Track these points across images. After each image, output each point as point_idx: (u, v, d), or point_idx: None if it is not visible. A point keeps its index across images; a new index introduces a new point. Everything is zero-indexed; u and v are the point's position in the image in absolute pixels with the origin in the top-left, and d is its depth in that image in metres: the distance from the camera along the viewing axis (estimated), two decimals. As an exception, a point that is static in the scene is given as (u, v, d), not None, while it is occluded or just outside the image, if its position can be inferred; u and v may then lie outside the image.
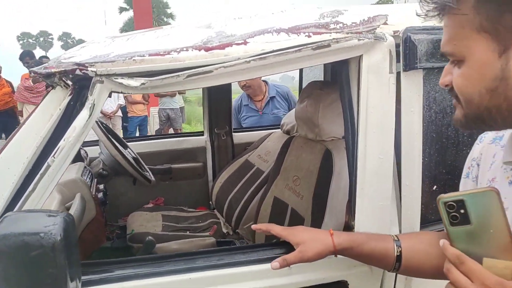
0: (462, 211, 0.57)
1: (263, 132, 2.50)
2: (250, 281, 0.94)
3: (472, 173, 0.79)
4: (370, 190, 0.97)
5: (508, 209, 0.61)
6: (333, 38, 0.96)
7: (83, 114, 0.85)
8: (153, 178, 2.13)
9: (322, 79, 2.31)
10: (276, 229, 0.97)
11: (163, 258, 0.94)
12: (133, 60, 0.87)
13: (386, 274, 1.01)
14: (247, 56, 0.91)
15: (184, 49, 0.91)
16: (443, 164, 1.06)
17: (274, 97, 3.06)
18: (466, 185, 0.80)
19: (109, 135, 1.87)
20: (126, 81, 0.86)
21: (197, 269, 0.91)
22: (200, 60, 0.90)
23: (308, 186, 1.42)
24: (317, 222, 1.32)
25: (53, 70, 0.84)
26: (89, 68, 0.84)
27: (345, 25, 0.99)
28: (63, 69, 0.84)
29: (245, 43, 0.94)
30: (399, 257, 0.84)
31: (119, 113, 6.20)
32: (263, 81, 3.07)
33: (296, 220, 1.45)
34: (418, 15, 0.65)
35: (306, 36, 0.97)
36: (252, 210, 1.89)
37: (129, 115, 6.41)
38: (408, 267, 0.83)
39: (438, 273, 0.77)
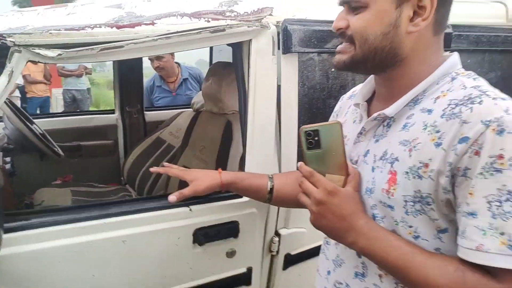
0: (316, 138, 0.73)
1: (175, 111, 2.64)
2: (158, 223, 1.12)
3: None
4: (257, 144, 1.22)
5: (348, 139, 0.83)
6: (227, 24, 1.17)
7: (2, 80, 0.94)
8: (62, 153, 2.15)
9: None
10: (173, 171, 1.15)
11: (81, 207, 1.08)
12: (50, 33, 0.98)
13: (270, 214, 1.28)
14: (155, 35, 1.08)
15: (98, 25, 1.04)
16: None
17: (187, 79, 3.20)
18: None
19: (15, 110, 1.86)
20: (43, 51, 0.97)
21: (112, 215, 1.07)
22: (113, 36, 1.04)
23: (212, 153, 1.64)
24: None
25: None
26: (7, 39, 0.93)
27: (238, 14, 1.21)
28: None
29: (152, 23, 1.10)
30: (271, 191, 1.08)
31: (17, 93, 5.74)
32: (176, 63, 3.19)
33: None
34: None
35: (205, 21, 1.16)
36: (162, 181, 2.05)
37: (28, 95, 5.96)
38: (278, 198, 1.09)
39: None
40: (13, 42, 0.94)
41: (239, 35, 1.19)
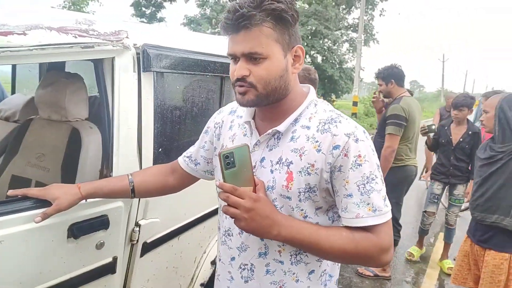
0: (232, 159, 0.89)
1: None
2: (28, 224, 1.17)
3: (215, 132, 1.17)
4: (123, 150, 1.42)
5: (253, 151, 1.01)
6: (95, 42, 1.34)
7: None
8: None
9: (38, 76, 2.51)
10: (33, 191, 1.17)
11: None
12: None
13: (132, 207, 1.48)
14: (30, 45, 1.15)
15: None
16: (166, 135, 1.65)
17: None
18: (204, 136, 1.22)
19: None
20: None
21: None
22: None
23: (55, 160, 1.67)
24: (68, 187, 1.61)
25: None
26: None
27: (100, 33, 1.38)
28: None
29: (24, 33, 1.17)
30: (132, 189, 1.24)
31: None
32: None
33: (43, 190, 1.66)
34: (223, 31, 0.95)
35: (73, 36, 1.29)
36: None
37: None
38: (141, 193, 1.27)
39: (161, 191, 1.29)
40: None
41: (105, 52, 1.37)
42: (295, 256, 1.02)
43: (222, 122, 1.17)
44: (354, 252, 0.94)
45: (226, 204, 0.89)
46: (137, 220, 1.54)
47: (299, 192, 0.97)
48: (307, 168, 0.96)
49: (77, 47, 1.28)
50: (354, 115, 15.64)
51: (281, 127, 0.99)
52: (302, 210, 0.98)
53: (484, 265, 2.10)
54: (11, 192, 1.19)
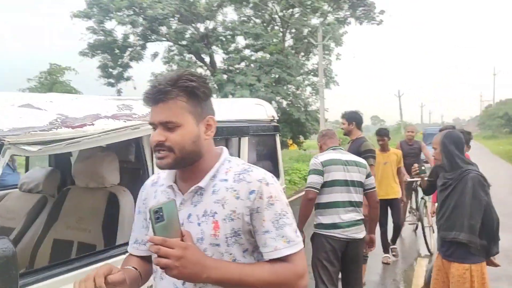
0: (161, 213, 0.95)
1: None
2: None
3: (144, 208, 1.23)
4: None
5: (180, 210, 1.07)
6: (138, 123, 1.72)
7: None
8: None
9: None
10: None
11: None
12: (31, 133, 1.29)
13: None
14: (98, 132, 1.52)
15: (59, 127, 1.40)
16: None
17: None
18: (139, 217, 1.25)
19: None
20: (27, 147, 1.27)
21: None
22: (70, 134, 1.43)
23: (96, 221, 1.97)
24: (111, 242, 1.90)
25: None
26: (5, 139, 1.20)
27: (140, 116, 1.77)
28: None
29: (92, 124, 1.54)
30: (140, 275, 1.19)
31: None
32: None
33: (86, 248, 1.94)
34: (145, 103, 1.09)
35: (123, 121, 1.67)
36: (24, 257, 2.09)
37: None
38: (144, 279, 1.22)
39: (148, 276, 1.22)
40: (8, 141, 1.21)
41: (144, 131, 1.75)
42: None
43: (147, 196, 1.25)
44: (276, 281, 1.07)
45: (156, 256, 0.96)
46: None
47: (226, 238, 1.07)
48: (230, 215, 1.07)
49: (129, 129, 1.65)
50: (323, 154, 16.24)
51: (202, 183, 1.11)
52: (231, 254, 1.08)
53: (451, 276, 2.45)
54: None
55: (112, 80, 17.79)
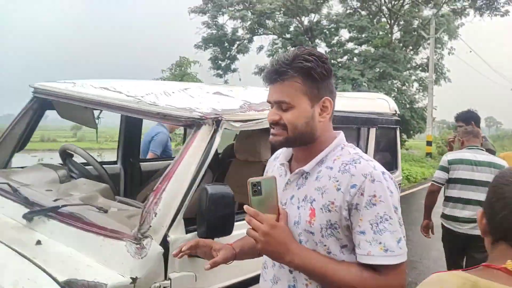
0: (259, 187, 0.99)
1: (163, 162, 3.24)
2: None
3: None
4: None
5: (279, 188, 1.08)
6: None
7: (217, 139, 1.66)
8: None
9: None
10: (203, 240, 1.29)
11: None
12: (235, 113, 1.74)
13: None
14: (263, 117, 1.90)
15: (247, 110, 1.84)
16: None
17: None
18: None
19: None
20: (234, 123, 1.72)
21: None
22: (257, 116, 1.85)
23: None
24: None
25: (203, 117, 1.62)
26: (223, 117, 1.67)
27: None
28: (211, 118, 1.63)
29: (263, 110, 1.93)
30: None
31: None
32: None
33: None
34: (264, 82, 1.11)
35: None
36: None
37: None
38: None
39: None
40: (223, 118, 1.68)
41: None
42: None
43: (267, 169, 1.34)
44: None
45: (250, 227, 1.00)
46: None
47: (321, 228, 1.03)
48: (327, 206, 1.03)
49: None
50: (428, 155, 15.43)
51: (306, 167, 1.10)
52: (325, 245, 1.04)
53: None
54: (184, 248, 1.26)
55: (220, 72, 19.09)
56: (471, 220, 2.82)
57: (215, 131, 1.66)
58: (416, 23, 16.94)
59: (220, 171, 2.65)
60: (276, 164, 1.24)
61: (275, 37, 18.23)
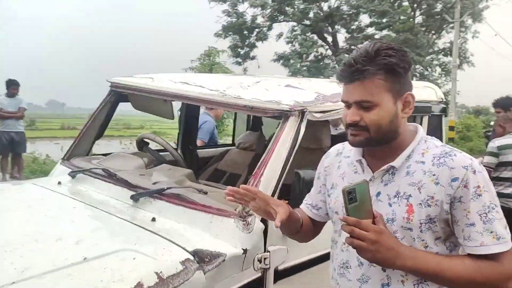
0: (354, 194, 0.95)
1: (216, 149, 3.44)
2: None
3: (325, 176, 1.24)
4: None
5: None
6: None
7: (302, 129, 1.84)
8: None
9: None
10: (263, 194, 1.14)
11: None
12: (316, 105, 1.92)
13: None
14: (339, 108, 2.05)
15: (324, 101, 2.01)
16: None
17: None
18: (317, 182, 1.29)
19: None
20: (316, 114, 1.90)
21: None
22: (333, 107, 2.02)
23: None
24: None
25: (291, 109, 1.80)
26: (307, 108, 1.85)
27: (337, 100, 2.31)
28: (297, 109, 1.81)
29: (336, 102, 2.08)
30: (301, 225, 1.24)
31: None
32: None
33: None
34: (339, 80, 1.07)
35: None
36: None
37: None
38: (302, 232, 1.28)
39: (306, 236, 1.30)
40: (307, 110, 1.85)
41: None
42: (417, 285, 1.04)
43: (330, 165, 1.26)
44: (481, 280, 0.98)
45: (349, 236, 0.95)
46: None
47: (420, 223, 1.02)
48: (427, 201, 1.01)
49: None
50: (451, 140, 15.33)
51: (395, 163, 1.06)
52: (423, 240, 1.03)
53: None
54: (243, 187, 1.15)
55: (239, 60, 19.18)
56: None
57: (301, 122, 1.84)
58: (439, 6, 16.66)
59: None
60: (343, 159, 1.21)
61: (295, 24, 18.18)
